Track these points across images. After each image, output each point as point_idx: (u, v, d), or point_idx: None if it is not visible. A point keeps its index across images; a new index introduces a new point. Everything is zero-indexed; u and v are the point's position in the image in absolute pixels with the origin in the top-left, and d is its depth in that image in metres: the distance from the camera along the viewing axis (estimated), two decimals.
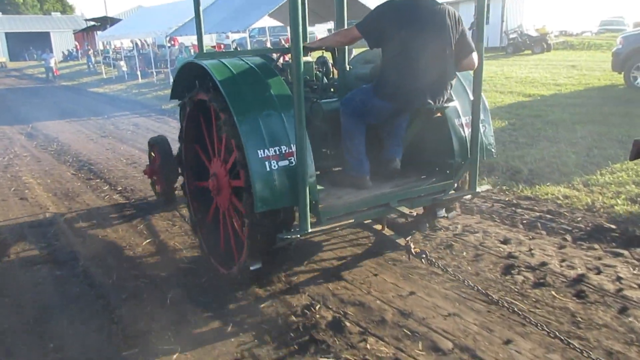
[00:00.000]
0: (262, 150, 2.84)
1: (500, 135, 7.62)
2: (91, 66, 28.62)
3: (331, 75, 4.05)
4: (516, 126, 8.11)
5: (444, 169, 3.67)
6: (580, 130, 7.48)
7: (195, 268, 3.90)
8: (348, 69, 3.91)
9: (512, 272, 3.59)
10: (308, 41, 4.24)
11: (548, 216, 4.59)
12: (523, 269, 3.62)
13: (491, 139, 3.71)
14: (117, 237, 4.63)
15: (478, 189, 3.56)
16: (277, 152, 2.87)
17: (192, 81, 3.59)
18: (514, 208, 4.85)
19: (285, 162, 2.88)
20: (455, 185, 3.59)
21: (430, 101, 3.22)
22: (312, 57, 4.24)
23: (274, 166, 2.85)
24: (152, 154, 5.10)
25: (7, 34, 49.99)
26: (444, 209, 3.89)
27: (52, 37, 49.68)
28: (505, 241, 4.11)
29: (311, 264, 3.89)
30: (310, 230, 2.94)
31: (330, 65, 4.04)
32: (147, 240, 4.49)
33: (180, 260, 4.05)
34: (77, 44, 40.26)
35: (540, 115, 8.73)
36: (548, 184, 5.37)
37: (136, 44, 25.24)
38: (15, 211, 5.45)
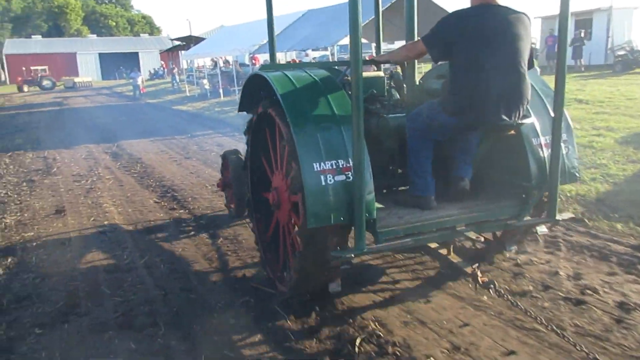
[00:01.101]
0: (318, 164, 2.69)
1: None
2: (175, 84, 29.31)
3: (403, 91, 3.75)
4: None
5: (519, 193, 3.32)
6: None
7: (299, 347, 2.93)
8: (418, 83, 3.64)
9: None
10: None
11: None
12: None
13: (575, 162, 3.36)
14: (204, 291, 3.78)
15: (558, 217, 3.21)
16: (334, 166, 2.71)
17: (258, 93, 3.53)
18: None
19: (342, 177, 2.71)
20: (531, 211, 3.25)
21: (505, 117, 2.94)
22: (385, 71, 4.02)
23: (330, 180, 2.69)
24: (225, 167, 4.99)
25: (100, 55, 53.59)
26: (515, 245, 3.68)
27: (140, 57, 52.54)
28: None
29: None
30: (366, 249, 2.77)
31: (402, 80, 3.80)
32: (242, 299, 3.60)
33: (286, 337, 3.09)
34: (163, 63, 41.94)
35: None
36: None
37: (217, 62, 25.49)
38: (93, 250, 4.78)
